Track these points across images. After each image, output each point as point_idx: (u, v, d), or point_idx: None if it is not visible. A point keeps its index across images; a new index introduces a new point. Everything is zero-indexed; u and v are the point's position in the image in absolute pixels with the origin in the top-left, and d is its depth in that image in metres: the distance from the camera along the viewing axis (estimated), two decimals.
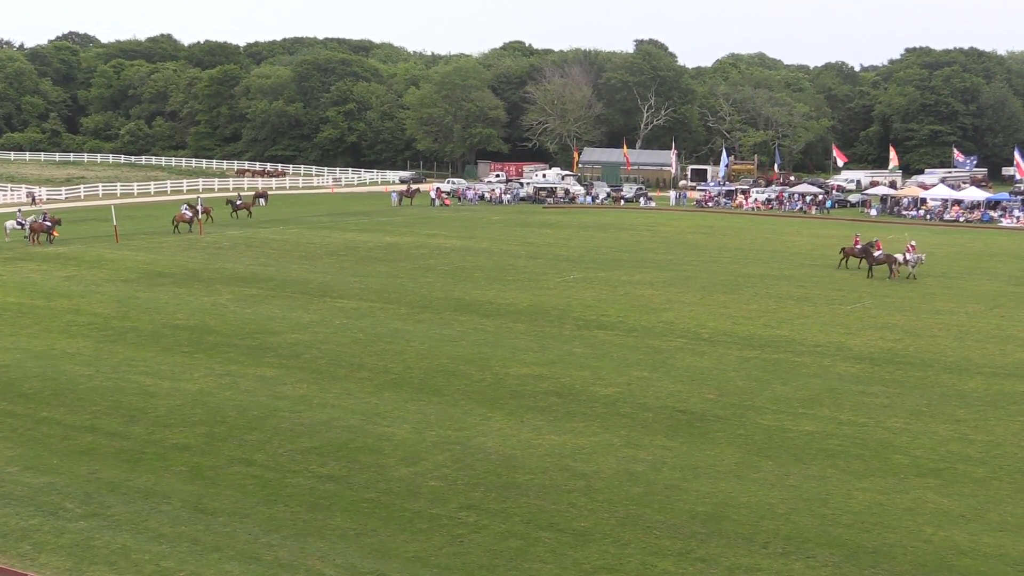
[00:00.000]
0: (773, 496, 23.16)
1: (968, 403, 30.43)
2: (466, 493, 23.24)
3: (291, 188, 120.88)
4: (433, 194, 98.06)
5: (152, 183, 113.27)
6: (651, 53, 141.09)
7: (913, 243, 55.37)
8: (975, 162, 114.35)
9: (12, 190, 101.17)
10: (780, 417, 28.85)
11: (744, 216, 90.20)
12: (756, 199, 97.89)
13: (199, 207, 73.63)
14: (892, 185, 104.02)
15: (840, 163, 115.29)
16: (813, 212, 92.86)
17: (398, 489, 23.47)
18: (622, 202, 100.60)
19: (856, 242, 56.36)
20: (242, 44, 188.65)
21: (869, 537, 21.10)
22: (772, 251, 64.01)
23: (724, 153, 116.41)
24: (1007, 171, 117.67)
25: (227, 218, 79.26)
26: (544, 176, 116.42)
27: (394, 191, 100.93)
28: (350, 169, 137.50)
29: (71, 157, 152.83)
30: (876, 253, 53.79)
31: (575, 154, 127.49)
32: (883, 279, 52.29)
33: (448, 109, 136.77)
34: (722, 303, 45.66)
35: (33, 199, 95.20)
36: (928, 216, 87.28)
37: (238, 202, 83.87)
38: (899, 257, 53.28)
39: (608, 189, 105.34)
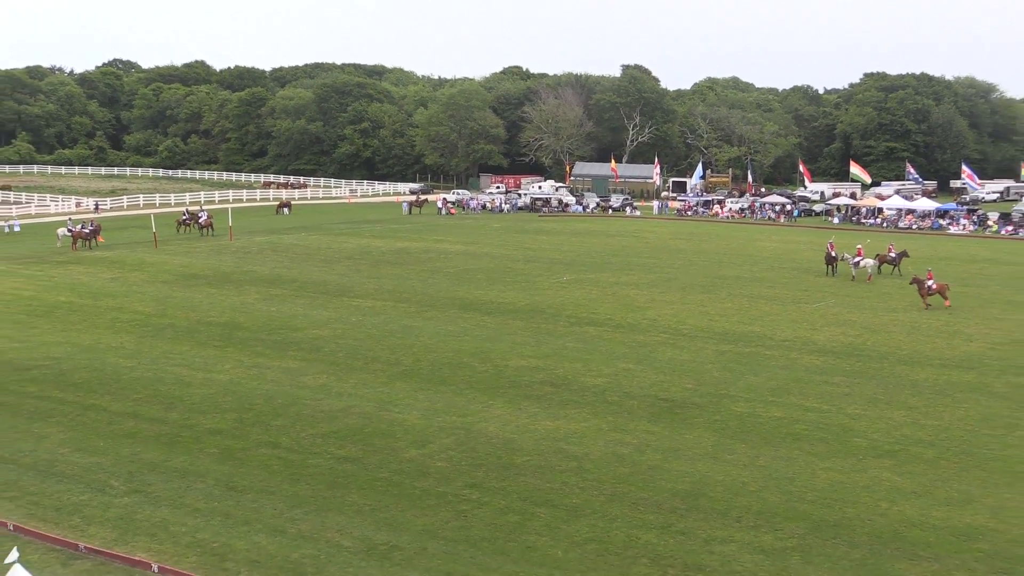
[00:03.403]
0: (745, 475, 23.21)
1: (920, 392, 30.49)
2: (469, 473, 23.28)
3: (312, 199, 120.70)
4: (440, 204, 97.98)
5: (187, 194, 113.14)
6: (636, 77, 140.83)
7: (860, 246, 56.01)
8: (919, 178, 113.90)
9: (63, 200, 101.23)
10: (752, 404, 28.90)
11: (720, 224, 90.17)
12: (731, 208, 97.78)
13: (187, 215, 75.23)
14: (852, 196, 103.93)
15: (807, 181, 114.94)
16: (782, 220, 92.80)
17: (408, 469, 23.51)
18: (610, 211, 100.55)
19: (890, 249, 55.81)
20: (268, 69, 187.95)
21: (831, 512, 21.15)
22: (745, 255, 64.00)
23: (700, 167, 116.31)
24: (955, 183, 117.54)
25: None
26: (540, 188, 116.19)
27: (405, 201, 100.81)
28: (365, 181, 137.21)
29: (115, 171, 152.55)
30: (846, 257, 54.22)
31: (568, 168, 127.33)
32: (847, 281, 52.28)
33: (453, 127, 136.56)
34: (700, 302, 45.67)
35: (96, 207, 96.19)
36: (885, 224, 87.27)
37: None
38: (848, 256, 53.91)
39: (598, 199, 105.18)
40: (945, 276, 54.53)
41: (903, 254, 55.54)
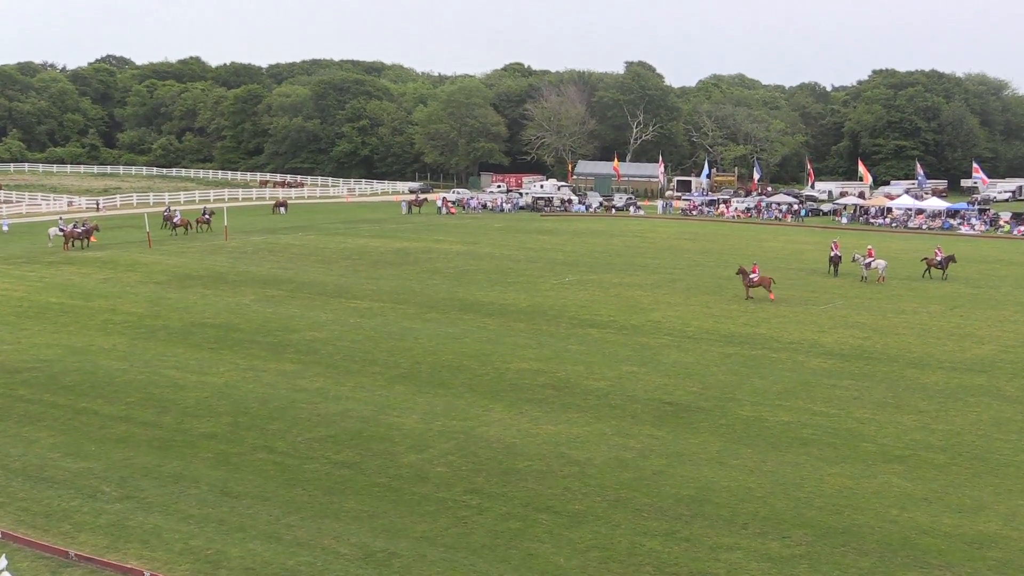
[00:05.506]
0: (752, 481, 23.14)
1: (930, 395, 30.41)
2: (470, 478, 23.22)
3: (309, 198, 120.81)
4: (439, 203, 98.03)
5: (182, 193, 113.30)
6: (640, 74, 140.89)
7: (871, 247, 56.13)
8: (923, 181, 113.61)
9: (55, 199, 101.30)
10: (758, 408, 28.83)
11: (725, 224, 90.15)
12: (736, 208, 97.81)
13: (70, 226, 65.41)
14: (861, 195, 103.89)
15: (811, 181, 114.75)
16: (788, 220, 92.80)
17: (407, 474, 23.44)
18: (613, 211, 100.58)
19: (937, 253, 55.01)
20: (264, 65, 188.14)
21: (840, 518, 21.08)
22: (751, 256, 63.79)
23: (706, 165, 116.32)
24: (966, 183, 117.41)
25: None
26: (542, 187, 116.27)
27: (404, 200, 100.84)
28: (363, 180, 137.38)
29: (108, 169, 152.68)
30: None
31: (570, 166, 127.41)
32: (856, 282, 52.20)
33: (453, 125, 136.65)
34: (705, 303, 45.61)
35: (98, 206, 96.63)
36: (894, 224, 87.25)
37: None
38: (859, 257, 53.95)
39: (600, 199, 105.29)
40: (955, 278, 54.55)
41: (950, 258, 54.30)
